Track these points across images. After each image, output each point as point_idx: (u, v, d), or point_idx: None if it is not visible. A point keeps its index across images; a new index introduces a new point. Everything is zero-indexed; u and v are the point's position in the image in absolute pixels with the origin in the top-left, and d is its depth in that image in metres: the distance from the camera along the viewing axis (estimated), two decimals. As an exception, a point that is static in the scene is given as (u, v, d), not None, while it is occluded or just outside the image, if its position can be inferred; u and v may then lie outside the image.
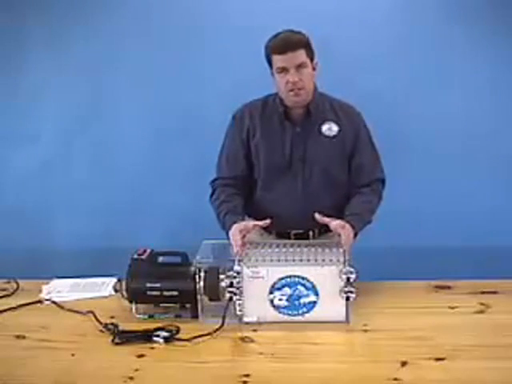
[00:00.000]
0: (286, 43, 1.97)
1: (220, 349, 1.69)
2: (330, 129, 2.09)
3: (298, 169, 2.10)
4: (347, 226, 1.91)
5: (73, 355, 1.66)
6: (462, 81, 2.96)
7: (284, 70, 1.98)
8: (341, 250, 1.84)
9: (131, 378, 1.54)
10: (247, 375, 1.54)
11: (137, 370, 1.58)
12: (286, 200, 2.11)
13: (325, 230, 2.01)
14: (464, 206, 2.96)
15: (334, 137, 2.09)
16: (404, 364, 1.57)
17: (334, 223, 1.92)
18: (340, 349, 1.71)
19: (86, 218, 3.17)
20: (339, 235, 1.89)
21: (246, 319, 1.80)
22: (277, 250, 1.87)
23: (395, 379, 1.50)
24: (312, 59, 2.01)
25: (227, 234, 1.95)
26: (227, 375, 1.55)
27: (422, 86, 2.95)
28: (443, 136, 2.97)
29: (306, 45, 1.99)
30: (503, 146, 2.98)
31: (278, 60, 1.98)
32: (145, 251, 1.91)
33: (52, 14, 3.03)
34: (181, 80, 3.04)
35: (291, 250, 1.87)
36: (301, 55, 1.97)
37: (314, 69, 2.03)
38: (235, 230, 1.90)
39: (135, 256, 1.89)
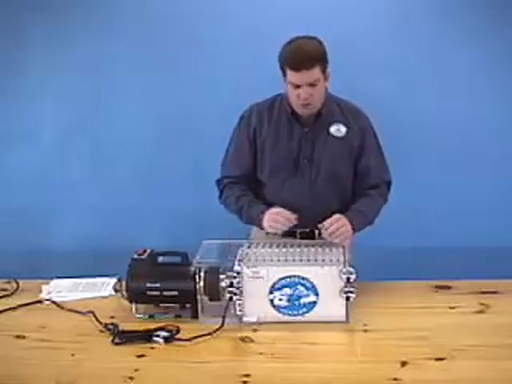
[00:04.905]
0: (302, 60, 1.94)
1: (220, 349, 1.69)
2: (338, 130, 2.10)
3: (305, 169, 2.11)
4: (343, 218, 1.96)
5: (73, 355, 1.66)
6: (462, 80, 2.96)
7: (296, 85, 1.97)
8: (341, 250, 1.85)
9: (131, 378, 1.54)
10: (247, 375, 1.54)
11: (137, 370, 1.58)
12: (292, 200, 2.11)
13: None
14: (464, 206, 2.96)
15: (342, 138, 2.10)
16: (404, 364, 1.57)
17: (329, 220, 1.95)
18: (340, 349, 1.71)
19: (86, 217, 3.18)
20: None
21: (245, 319, 1.80)
22: (277, 250, 1.87)
23: (395, 379, 1.50)
24: (325, 70, 2.00)
25: (257, 220, 2.03)
26: (227, 375, 1.55)
27: (421, 86, 2.95)
28: (443, 136, 2.97)
29: (321, 59, 1.97)
30: (504, 145, 2.98)
31: (291, 75, 1.96)
32: (145, 251, 1.91)
33: (52, 13, 3.03)
34: (180, 80, 3.04)
35: (291, 250, 1.87)
36: (315, 73, 1.95)
37: (325, 79, 2.02)
38: (277, 209, 2.01)
39: (135, 256, 1.89)
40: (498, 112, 2.97)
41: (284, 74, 2.01)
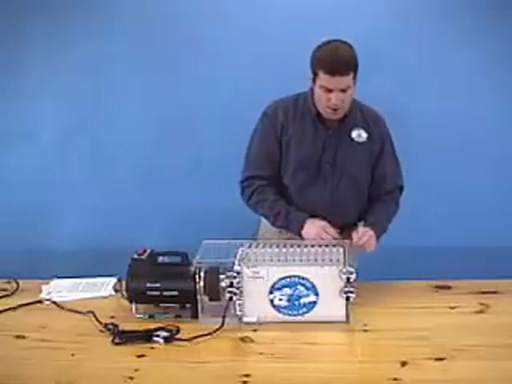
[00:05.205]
0: (338, 65, 1.92)
1: (220, 349, 1.69)
2: (359, 135, 2.10)
3: (327, 173, 2.11)
4: (370, 230, 1.99)
5: (73, 355, 1.66)
6: (462, 80, 2.96)
7: (328, 89, 1.95)
8: (341, 250, 1.85)
9: (131, 378, 1.54)
10: (247, 375, 1.54)
11: (137, 370, 1.58)
12: (313, 203, 2.12)
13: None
14: (464, 206, 2.96)
15: (363, 143, 2.10)
16: (404, 364, 1.57)
17: (360, 232, 1.98)
18: (340, 349, 1.71)
19: (85, 217, 3.17)
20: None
21: (245, 319, 1.80)
22: (277, 250, 1.87)
23: (395, 379, 1.50)
24: (356, 76, 1.98)
25: (296, 227, 2.05)
26: (227, 375, 1.55)
27: (421, 86, 2.95)
28: (443, 136, 2.97)
29: (355, 66, 1.95)
30: (504, 145, 2.98)
31: (324, 79, 1.93)
32: (145, 251, 1.91)
33: (52, 13, 3.03)
34: (180, 80, 3.04)
35: (291, 250, 1.87)
36: (348, 79, 1.94)
37: (355, 84, 2.00)
38: (322, 222, 2.02)
39: (135, 256, 1.89)
40: (498, 112, 2.97)
41: (314, 76, 1.98)
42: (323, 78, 1.94)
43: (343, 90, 1.95)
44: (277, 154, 2.12)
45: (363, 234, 1.98)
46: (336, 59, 1.93)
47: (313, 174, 2.11)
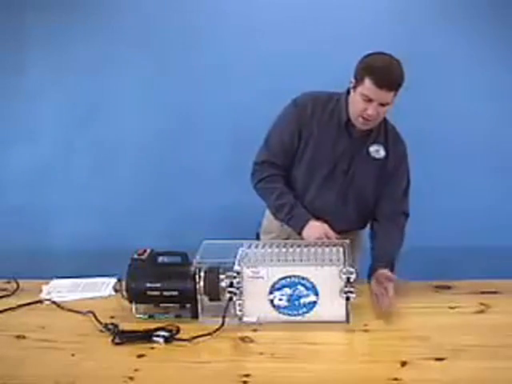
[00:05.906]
0: (387, 78, 1.92)
1: (220, 349, 1.69)
2: (377, 151, 2.09)
3: (338, 179, 2.10)
4: (390, 277, 1.93)
5: (73, 355, 1.66)
6: (462, 80, 2.96)
7: (368, 99, 1.94)
8: (341, 250, 1.85)
9: (131, 378, 1.54)
10: (247, 375, 1.54)
11: (137, 370, 1.58)
12: (316, 205, 2.12)
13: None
14: (464, 206, 2.96)
15: (379, 160, 2.10)
16: (404, 364, 1.57)
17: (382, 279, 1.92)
18: (340, 349, 1.71)
19: (86, 218, 3.17)
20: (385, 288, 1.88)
21: (245, 319, 1.80)
22: (277, 250, 1.87)
23: (395, 379, 1.50)
24: (396, 94, 1.97)
25: (297, 225, 2.07)
26: (227, 375, 1.55)
27: (421, 86, 2.95)
28: (443, 136, 2.97)
29: (401, 86, 1.95)
30: (504, 145, 2.98)
31: (369, 89, 1.92)
32: (145, 251, 1.90)
33: (52, 13, 3.03)
34: (180, 81, 3.04)
35: (291, 249, 1.87)
36: (391, 96, 1.95)
37: (393, 102, 2.00)
38: (323, 224, 2.04)
39: (135, 256, 1.89)
40: (498, 112, 2.97)
41: (357, 82, 1.96)
42: (368, 88, 1.92)
43: (382, 104, 1.95)
44: (295, 145, 2.11)
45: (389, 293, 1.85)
46: (387, 73, 1.93)
47: (324, 176, 2.11)
